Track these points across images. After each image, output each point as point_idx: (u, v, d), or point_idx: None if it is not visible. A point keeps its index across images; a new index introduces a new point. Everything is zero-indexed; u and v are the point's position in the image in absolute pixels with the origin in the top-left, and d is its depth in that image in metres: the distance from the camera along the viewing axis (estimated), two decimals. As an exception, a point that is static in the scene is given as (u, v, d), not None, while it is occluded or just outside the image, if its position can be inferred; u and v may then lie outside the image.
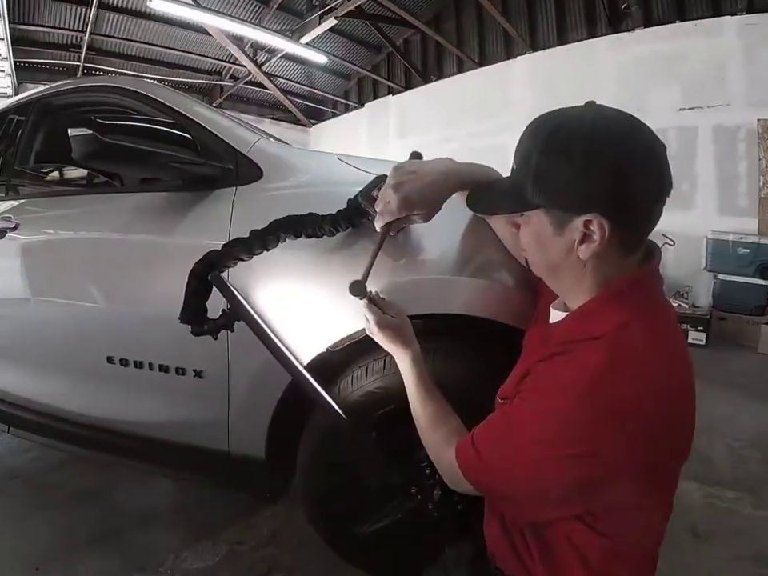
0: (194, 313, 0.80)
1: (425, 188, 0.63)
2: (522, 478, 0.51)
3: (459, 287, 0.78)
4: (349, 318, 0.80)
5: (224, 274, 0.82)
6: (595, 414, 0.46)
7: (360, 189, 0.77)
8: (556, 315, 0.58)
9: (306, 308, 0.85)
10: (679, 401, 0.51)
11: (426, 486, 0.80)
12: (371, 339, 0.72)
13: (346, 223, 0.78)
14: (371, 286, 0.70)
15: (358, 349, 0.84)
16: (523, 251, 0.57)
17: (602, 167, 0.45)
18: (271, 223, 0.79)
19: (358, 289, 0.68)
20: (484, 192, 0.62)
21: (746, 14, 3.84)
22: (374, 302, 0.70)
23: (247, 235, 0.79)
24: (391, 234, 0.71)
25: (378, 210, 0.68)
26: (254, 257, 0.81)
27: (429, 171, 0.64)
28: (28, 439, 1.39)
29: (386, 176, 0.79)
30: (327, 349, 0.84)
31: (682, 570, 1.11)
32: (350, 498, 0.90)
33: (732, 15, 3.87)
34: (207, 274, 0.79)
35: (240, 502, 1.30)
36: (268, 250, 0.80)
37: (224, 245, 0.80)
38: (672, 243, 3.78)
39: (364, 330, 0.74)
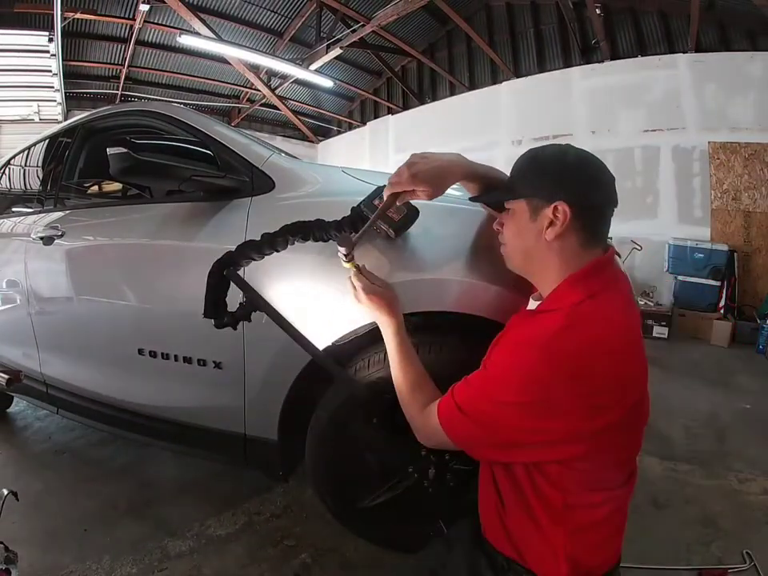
0: (215, 308, 0.79)
1: (433, 170, 0.64)
2: (486, 423, 0.53)
3: (452, 287, 0.77)
4: (353, 315, 0.79)
5: (241, 273, 0.81)
6: (551, 367, 0.47)
7: (363, 198, 0.76)
8: (532, 304, 0.61)
9: (315, 306, 0.85)
10: (631, 364, 0.52)
11: (422, 465, 0.79)
12: (372, 334, 0.71)
13: (350, 228, 0.76)
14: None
15: (360, 343, 0.83)
16: (503, 246, 0.62)
17: (569, 172, 0.56)
18: (282, 227, 0.77)
19: (345, 241, 0.66)
20: (486, 190, 0.68)
21: (695, 52, 3.88)
22: (362, 274, 0.68)
23: (259, 238, 0.78)
24: (397, 203, 0.69)
25: (391, 181, 0.66)
26: (265, 257, 0.80)
27: (439, 157, 0.66)
28: (73, 420, 1.39)
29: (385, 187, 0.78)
30: (333, 343, 0.83)
31: (643, 534, 1.10)
32: (354, 476, 0.89)
33: (684, 53, 3.91)
34: (224, 271, 0.77)
35: (256, 479, 1.30)
36: (278, 251, 0.79)
37: (238, 245, 0.79)
38: (639, 248, 3.79)
39: (366, 326, 0.73)
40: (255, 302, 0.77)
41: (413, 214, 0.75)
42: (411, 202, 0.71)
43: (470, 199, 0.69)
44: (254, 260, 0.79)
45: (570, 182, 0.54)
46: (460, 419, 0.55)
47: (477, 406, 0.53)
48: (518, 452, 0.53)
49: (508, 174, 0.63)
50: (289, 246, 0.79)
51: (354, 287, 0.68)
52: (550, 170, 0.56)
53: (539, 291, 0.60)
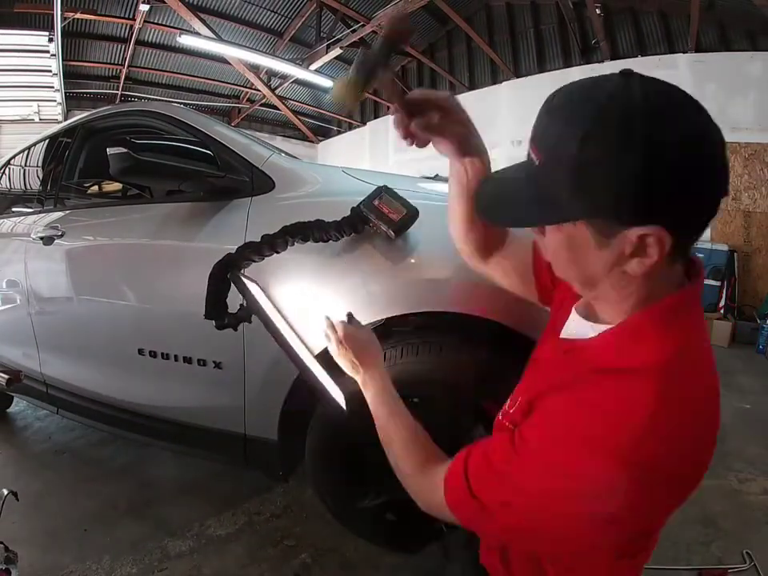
0: (216, 309, 0.79)
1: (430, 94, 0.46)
2: (515, 523, 0.39)
3: (450, 287, 0.77)
4: (355, 313, 0.79)
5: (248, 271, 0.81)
6: (640, 482, 0.32)
7: (363, 198, 0.76)
8: (580, 324, 0.43)
9: (320, 303, 0.84)
10: (711, 447, 0.37)
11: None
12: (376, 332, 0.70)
13: (349, 229, 0.77)
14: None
15: None
16: (544, 251, 0.40)
17: (667, 163, 0.29)
18: (281, 228, 0.77)
19: None
20: (496, 193, 0.42)
21: (695, 52, 3.89)
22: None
23: (259, 239, 0.78)
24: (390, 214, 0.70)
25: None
26: (265, 258, 0.79)
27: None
28: (73, 420, 1.39)
29: (384, 187, 0.78)
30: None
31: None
32: (354, 476, 0.89)
33: (683, 53, 3.92)
34: (226, 273, 0.77)
35: (256, 478, 1.30)
36: (278, 252, 0.78)
37: (238, 248, 0.79)
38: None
39: (367, 324, 0.73)
40: (253, 307, 0.78)
41: (412, 213, 0.75)
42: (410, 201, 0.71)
43: (485, 219, 0.46)
44: (255, 261, 0.80)
45: (672, 184, 0.30)
46: (475, 508, 0.40)
47: (502, 499, 0.38)
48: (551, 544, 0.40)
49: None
50: (289, 247, 0.79)
51: (329, 336, 0.61)
52: (635, 158, 0.29)
53: (594, 307, 0.42)
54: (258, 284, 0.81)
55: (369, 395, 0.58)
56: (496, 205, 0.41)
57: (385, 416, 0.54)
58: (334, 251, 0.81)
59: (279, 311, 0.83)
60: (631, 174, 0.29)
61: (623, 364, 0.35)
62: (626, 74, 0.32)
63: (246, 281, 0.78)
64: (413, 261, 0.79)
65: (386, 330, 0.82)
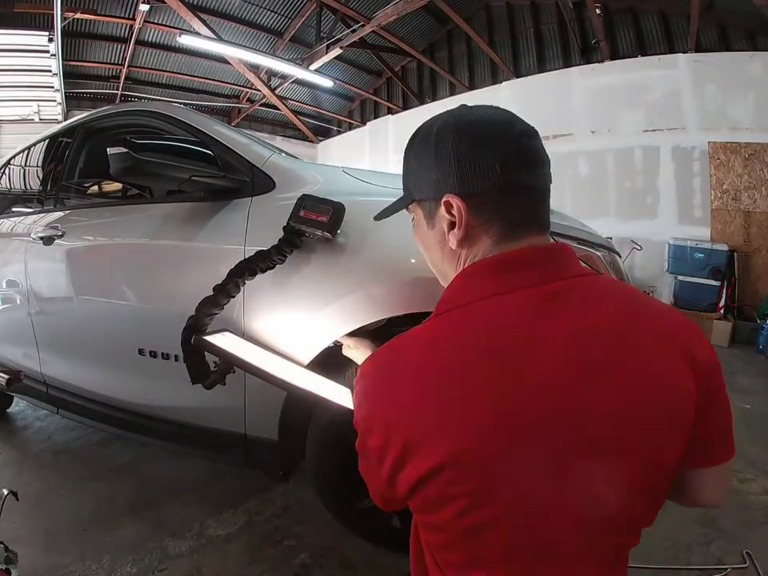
0: (199, 372, 0.82)
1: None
2: None
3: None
4: (350, 317, 0.79)
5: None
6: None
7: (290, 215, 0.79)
8: None
9: (316, 309, 0.85)
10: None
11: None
12: (372, 333, 0.71)
13: (289, 247, 0.80)
14: None
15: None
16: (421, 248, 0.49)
17: (442, 146, 0.40)
18: (228, 274, 0.80)
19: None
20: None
21: (695, 52, 3.89)
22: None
23: (219, 285, 0.81)
24: (324, 234, 0.77)
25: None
26: (223, 307, 0.83)
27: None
28: (73, 420, 1.39)
29: (304, 195, 0.81)
30: (334, 342, 0.83)
31: (643, 533, 1.10)
32: (354, 476, 0.89)
33: (683, 53, 3.92)
34: (191, 338, 0.80)
35: (256, 478, 1.30)
36: (233, 296, 0.81)
37: (196, 307, 0.81)
38: (639, 248, 3.79)
39: (363, 327, 0.73)
40: (228, 361, 0.80)
41: (338, 208, 0.78)
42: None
43: (375, 218, 0.57)
44: (216, 313, 0.82)
45: (447, 162, 0.39)
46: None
47: None
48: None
49: None
50: (241, 286, 0.82)
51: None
52: (425, 152, 0.42)
53: None
54: (228, 330, 0.85)
55: None
56: (389, 209, 0.52)
57: None
58: (338, 252, 0.81)
59: (258, 344, 0.85)
60: (424, 168, 0.42)
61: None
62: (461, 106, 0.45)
63: (212, 338, 0.80)
64: (413, 261, 0.79)
65: (386, 330, 0.82)
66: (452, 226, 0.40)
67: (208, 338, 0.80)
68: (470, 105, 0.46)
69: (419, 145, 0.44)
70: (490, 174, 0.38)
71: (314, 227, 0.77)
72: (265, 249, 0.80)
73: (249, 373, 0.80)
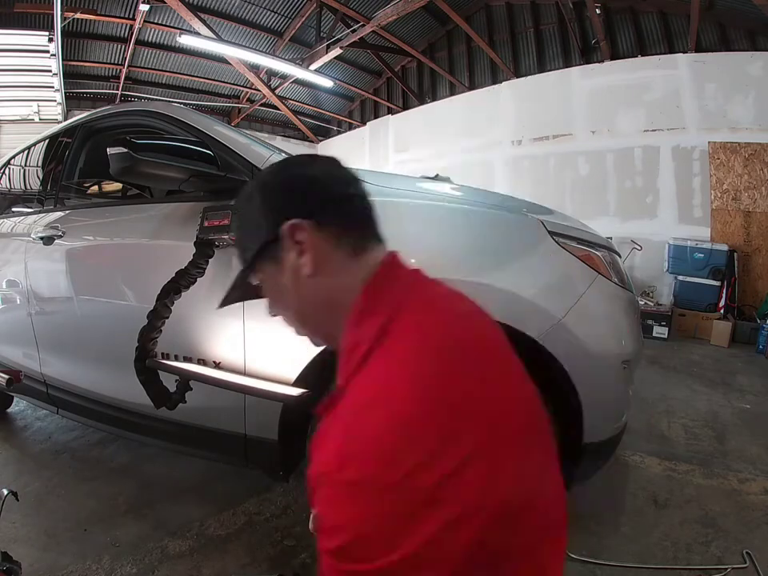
0: (160, 397, 0.87)
1: None
2: None
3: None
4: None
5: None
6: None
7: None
8: None
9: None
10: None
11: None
12: None
13: (204, 259, 0.85)
14: None
15: None
16: (279, 312, 0.45)
17: (270, 188, 0.42)
18: (156, 299, 0.86)
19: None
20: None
21: (695, 52, 3.89)
22: None
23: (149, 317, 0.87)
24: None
25: None
26: (160, 327, 0.89)
27: None
28: (73, 420, 1.39)
29: (207, 207, 0.86)
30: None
31: (643, 533, 1.11)
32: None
33: (683, 53, 3.92)
34: (144, 362, 0.85)
35: (256, 478, 1.30)
36: (166, 317, 0.87)
37: (138, 338, 0.87)
38: (639, 248, 3.80)
39: None
40: (185, 376, 0.85)
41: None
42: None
43: (219, 307, 0.52)
44: (156, 337, 0.88)
45: (276, 196, 0.41)
46: None
47: None
48: None
49: None
50: (171, 306, 0.87)
51: None
52: (254, 200, 0.42)
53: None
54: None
55: None
56: (230, 294, 0.49)
57: None
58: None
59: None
60: (253, 212, 0.42)
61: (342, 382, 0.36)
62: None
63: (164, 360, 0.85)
64: (413, 261, 0.79)
65: None
66: (301, 253, 0.39)
67: (160, 359, 0.85)
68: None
69: (241, 202, 0.45)
70: (317, 188, 0.41)
71: (219, 232, 0.81)
72: (182, 268, 0.85)
73: (204, 383, 0.85)
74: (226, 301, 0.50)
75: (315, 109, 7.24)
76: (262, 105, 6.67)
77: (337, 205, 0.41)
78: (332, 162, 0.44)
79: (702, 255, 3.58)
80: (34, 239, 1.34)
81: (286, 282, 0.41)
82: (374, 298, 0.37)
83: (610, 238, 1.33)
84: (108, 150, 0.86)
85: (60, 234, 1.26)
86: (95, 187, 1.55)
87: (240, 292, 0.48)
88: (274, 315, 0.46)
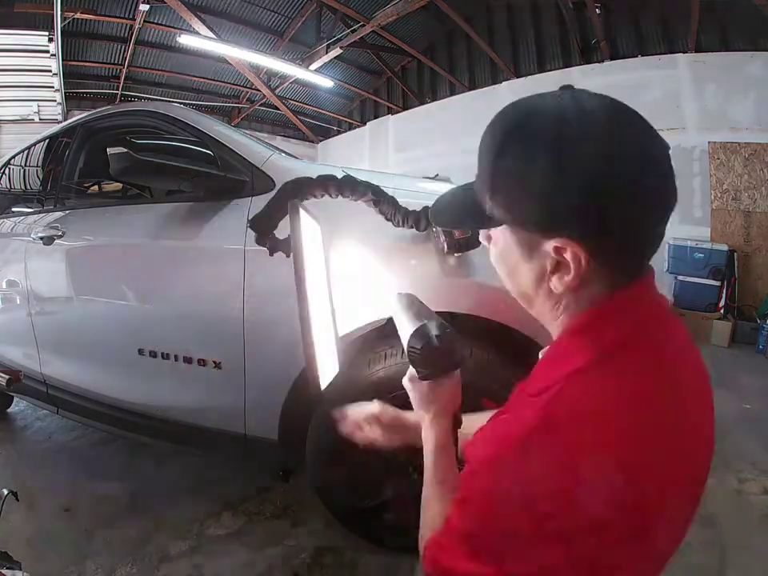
0: (266, 223, 0.74)
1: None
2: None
3: (453, 287, 0.77)
4: (357, 314, 0.79)
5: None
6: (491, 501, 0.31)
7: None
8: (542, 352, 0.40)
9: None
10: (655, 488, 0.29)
11: (422, 465, 0.79)
12: (377, 331, 0.68)
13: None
14: None
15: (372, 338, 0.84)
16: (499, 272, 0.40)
17: (573, 174, 0.29)
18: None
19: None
20: (447, 200, 0.43)
21: (695, 52, 3.90)
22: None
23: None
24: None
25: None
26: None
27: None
28: (73, 420, 1.39)
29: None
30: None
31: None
32: (354, 476, 0.89)
33: (683, 53, 3.92)
34: (293, 197, 0.69)
35: (256, 478, 1.30)
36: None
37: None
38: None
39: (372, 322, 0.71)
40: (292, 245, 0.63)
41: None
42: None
43: (433, 221, 0.47)
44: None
45: (578, 195, 0.29)
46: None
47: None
48: None
49: None
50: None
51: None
52: (538, 172, 0.30)
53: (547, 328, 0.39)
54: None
55: (431, 437, 0.46)
56: (445, 210, 0.43)
57: (443, 468, 0.44)
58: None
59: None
60: (531, 188, 0.31)
61: (537, 387, 0.34)
62: (564, 87, 0.33)
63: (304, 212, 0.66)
64: (413, 262, 0.79)
65: (387, 329, 0.82)
66: (559, 268, 0.32)
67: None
68: (587, 91, 0.32)
69: (529, 143, 0.31)
70: (647, 224, 0.31)
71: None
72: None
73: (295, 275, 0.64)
74: (444, 216, 0.43)
75: (315, 109, 7.23)
76: (261, 105, 6.67)
77: (641, 236, 0.31)
78: (664, 175, 0.31)
79: (702, 255, 3.58)
80: (33, 239, 1.34)
81: (525, 270, 0.35)
82: (619, 306, 0.33)
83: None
84: (108, 150, 0.86)
85: (60, 233, 1.26)
86: (95, 187, 1.55)
87: (464, 224, 0.41)
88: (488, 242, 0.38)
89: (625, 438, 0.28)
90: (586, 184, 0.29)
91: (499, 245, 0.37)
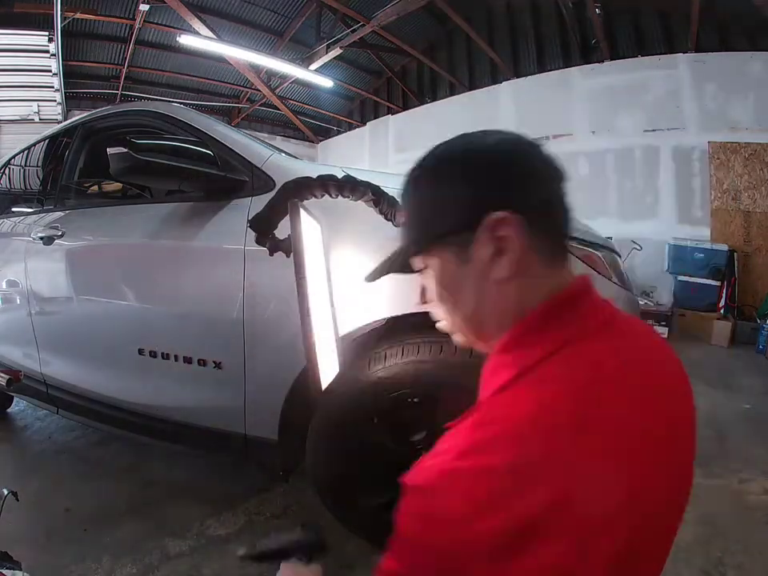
0: (267, 223, 0.73)
1: None
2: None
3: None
4: (357, 313, 0.79)
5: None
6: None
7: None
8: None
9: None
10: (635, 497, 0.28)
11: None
12: (375, 332, 0.68)
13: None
14: None
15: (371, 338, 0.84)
16: (438, 305, 0.39)
17: (481, 163, 0.34)
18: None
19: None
20: (383, 261, 0.43)
21: (695, 52, 3.90)
22: None
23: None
24: None
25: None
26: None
27: None
28: (73, 420, 1.39)
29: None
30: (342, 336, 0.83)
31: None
32: (354, 475, 0.89)
33: (684, 53, 3.92)
34: (294, 197, 0.69)
35: (256, 478, 1.30)
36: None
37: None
38: (639, 248, 3.79)
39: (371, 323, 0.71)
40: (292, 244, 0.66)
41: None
42: None
43: (366, 280, 0.46)
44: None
45: (490, 173, 0.34)
46: None
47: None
48: None
49: None
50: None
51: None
52: (444, 174, 0.35)
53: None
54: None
55: None
56: (383, 267, 0.44)
57: None
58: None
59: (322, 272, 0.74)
60: (448, 186, 0.35)
61: (488, 390, 0.34)
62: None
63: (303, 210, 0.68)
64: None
65: (387, 329, 0.82)
66: (498, 252, 0.33)
67: None
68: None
69: (429, 172, 0.37)
70: (547, 178, 0.35)
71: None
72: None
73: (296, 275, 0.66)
74: (377, 274, 0.44)
75: (315, 109, 7.23)
76: (261, 105, 6.68)
77: (553, 201, 0.35)
78: (543, 151, 0.36)
79: (702, 255, 3.58)
80: (33, 239, 1.34)
81: (465, 279, 0.35)
82: (548, 317, 0.33)
83: (610, 238, 1.33)
84: (108, 150, 0.86)
85: (60, 234, 1.26)
86: (95, 187, 1.55)
87: (397, 267, 0.41)
88: (424, 303, 0.40)
89: (515, 443, 0.27)
90: (494, 165, 0.34)
91: (434, 268, 0.37)
